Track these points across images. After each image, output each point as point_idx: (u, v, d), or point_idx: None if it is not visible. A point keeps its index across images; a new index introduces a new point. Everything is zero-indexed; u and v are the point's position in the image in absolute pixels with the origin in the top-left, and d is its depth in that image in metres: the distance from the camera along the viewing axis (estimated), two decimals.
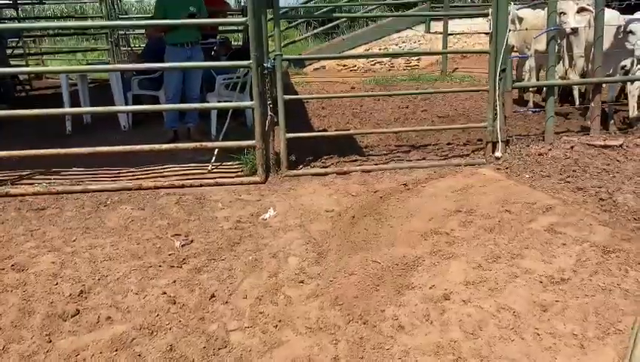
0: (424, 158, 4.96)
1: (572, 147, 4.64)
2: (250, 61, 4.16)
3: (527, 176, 4.26)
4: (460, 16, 9.57)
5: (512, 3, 4.83)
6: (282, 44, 11.68)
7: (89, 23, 11.42)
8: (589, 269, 2.85)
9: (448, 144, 5.41)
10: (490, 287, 2.75)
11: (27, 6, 12.14)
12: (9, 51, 9.19)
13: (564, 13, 4.80)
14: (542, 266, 2.93)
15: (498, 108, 4.60)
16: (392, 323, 2.51)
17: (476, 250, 3.15)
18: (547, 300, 2.61)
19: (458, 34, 10.06)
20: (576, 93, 6.45)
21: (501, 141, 4.65)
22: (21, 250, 3.37)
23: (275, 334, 2.49)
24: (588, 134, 4.98)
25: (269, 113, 4.34)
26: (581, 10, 4.80)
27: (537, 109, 6.09)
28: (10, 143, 5.23)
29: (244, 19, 4.25)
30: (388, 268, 2.97)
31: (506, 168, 4.47)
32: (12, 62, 9.55)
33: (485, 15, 4.53)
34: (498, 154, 4.66)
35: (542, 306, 2.57)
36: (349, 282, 2.85)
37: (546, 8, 4.82)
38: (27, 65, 9.99)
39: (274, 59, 4.24)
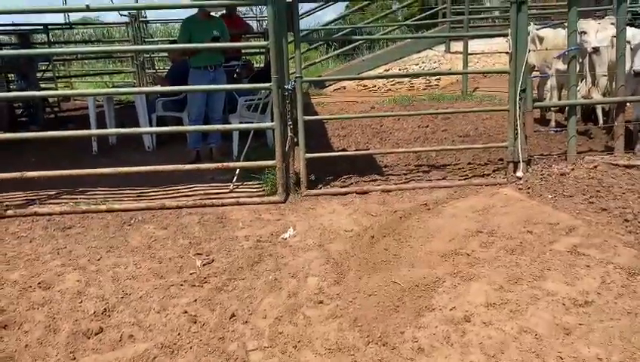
0: (444, 178, 4.94)
1: (595, 167, 4.58)
2: (271, 83, 4.24)
3: (550, 196, 4.22)
4: (480, 37, 9.58)
5: (532, 23, 4.81)
6: (303, 66, 11.91)
7: (115, 47, 11.78)
8: (613, 292, 2.80)
9: (469, 164, 5.39)
10: (512, 309, 2.72)
11: (57, 30, 12.57)
12: (39, 74, 9.49)
13: (585, 33, 4.78)
14: (565, 288, 2.89)
15: (519, 127, 4.58)
16: (411, 345, 2.49)
17: (497, 271, 3.12)
18: (570, 323, 2.56)
19: (478, 54, 10.06)
20: (599, 112, 6.36)
21: (522, 161, 4.61)
22: (48, 268, 3.45)
23: (295, 354, 2.50)
24: (612, 154, 4.90)
25: (289, 133, 4.40)
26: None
27: (559, 129, 6.03)
28: (40, 163, 5.40)
29: (265, 42, 4.34)
30: (408, 289, 2.96)
31: (528, 188, 4.43)
32: (42, 85, 9.89)
33: (505, 35, 4.54)
34: (519, 174, 4.62)
35: (565, 329, 2.52)
36: (369, 303, 2.84)
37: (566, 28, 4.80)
38: (56, 88, 10.31)
39: (294, 81, 4.32)
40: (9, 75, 8.81)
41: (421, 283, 3.00)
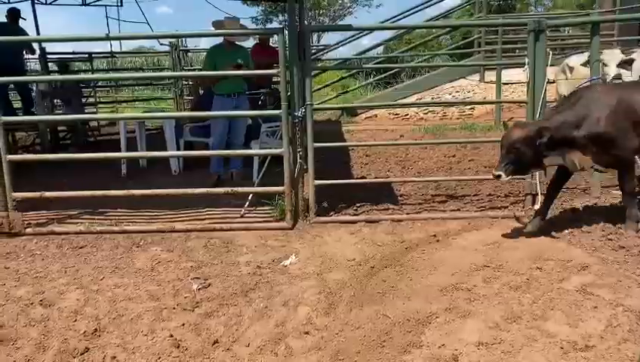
0: (459, 209, 4.80)
1: (620, 202, 4.33)
2: (281, 110, 4.28)
3: (567, 231, 4.01)
4: (514, 66, 9.39)
5: (551, 53, 4.68)
6: (337, 93, 12.00)
7: (141, 74, 12.32)
8: (618, 336, 2.61)
9: (488, 195, 5.22)
10: (504, 350, 2.58)
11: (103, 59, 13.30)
12: (83, 100, 10.00)
13: (606, 65, 4.63)
14: (566, 330, 2.72)
15: None
16: None
17: (496, 308, 2.97)
18: None
19: (514, 83, 9.85)
20: None
21: (541, 193, 4.42)
22: (53, 286, 3.54)
23: None
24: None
25: (299, 160, 4.40)
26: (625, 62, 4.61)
27: None
28: (69, 183, 5.62)
29: (276, 70, 4.40)
30: (398, 323, 2.85)
31: (545, 222, 4.22)
32: (86, 110, 10.41)
33: (522, 65, 4.43)
34: (537, 207, 4.42)
35: None
36: (354, 336, 2.75)
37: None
38: (97, 113, 10.81)
39: (304, 108, 4.34)
40: (54, 101, 9.31)
41: (413, 318, 2.90)
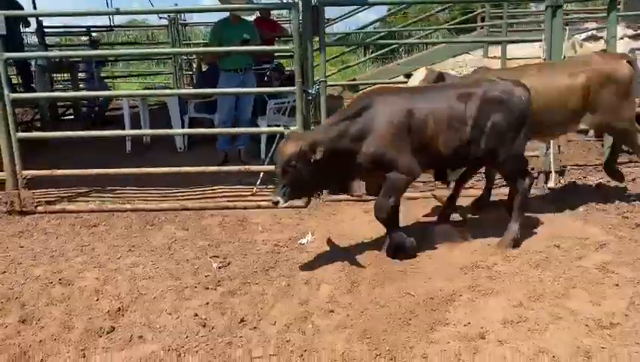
0: (472, 186, 4.78)
1: (634, 179, 4.35)
2: (295, 87, 4.22)
3: (582, 209, 4.02)
4: (517, 41, 9.28)
5: (568, 29, 4.62)
6: (339, 69, 11.85)
7: (146, 50, 12.03)
8: None
9: None
10: (530, 328, 2.60)
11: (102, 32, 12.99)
12: (82, 75, 9.80)
13: None
14: (589, 308, 2.75)
15: None
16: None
17: (518, 286, 2.99)
18: (592, 346, 2.43)
19: (518, 59, 9.75)
20: None
21: (554, 171, 4.42)
22: (70, 265, 3.54)
23: None
24: None
25: None
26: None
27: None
28: (75, 161, 5.55)
29: (290, 46, 4.32)
30: (422, 301, 2.87)
31: (559, 200, 4.23)
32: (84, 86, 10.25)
33: (539, 41, 4.37)
34: (551, 184, 4.43)
35: (586, 352, 2.39)
36: (380, 314, 2.77)
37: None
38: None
39: (318, 84, 4.28)
40: (53, 76, 9.14)
41: (437, 296, 2.92)
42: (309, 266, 3.36)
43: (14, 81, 8.93)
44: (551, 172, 4.43)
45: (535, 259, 3.28)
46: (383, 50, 12.81)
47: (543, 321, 2.64)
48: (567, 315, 2.69)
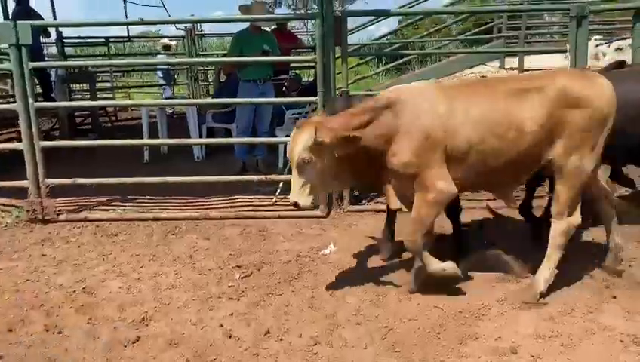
0: (494, 198, 4.73)
1: None
2: (317, 97, 4.21)
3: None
4: (535, 52, 9.24)
5: (592, 39, 4.58)
6: (353, 80, 11.86)
7: (163, 60, 12.07)
8: None
9: None
10: (563, 343, 2.54)
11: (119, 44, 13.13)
12: (98, 85, 9.93)
13: None
14: (623, 324, 2.67)
15: None
16: None
17: (548, 299, 2.92)
18: None
19: (535, 70, 9.70)
20: None
21: None
22: (93, 274, 3.53)
23: None
24: None
25: None
26: None
27: None
28: (94, 170, 5.57)
29: (313, 56, 4.32)
30: (451, 315, 2.82)
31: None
32: (102, 95, 10.35)
33: (564, 51, 4.34)
34: None
35: None
36: (408, 328, 2.72)
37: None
38: (114, 98, 10.74)
39: (340, 95, 4.27)
40: (71, 86, 9.24)
41: (466, 310, 2.86)
42: (333, 277, 3.33)
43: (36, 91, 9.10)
44: None
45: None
46: (396, 62, 12.85)
47: (575, 336, 2.58)
48: (599, 330, 2.62)
